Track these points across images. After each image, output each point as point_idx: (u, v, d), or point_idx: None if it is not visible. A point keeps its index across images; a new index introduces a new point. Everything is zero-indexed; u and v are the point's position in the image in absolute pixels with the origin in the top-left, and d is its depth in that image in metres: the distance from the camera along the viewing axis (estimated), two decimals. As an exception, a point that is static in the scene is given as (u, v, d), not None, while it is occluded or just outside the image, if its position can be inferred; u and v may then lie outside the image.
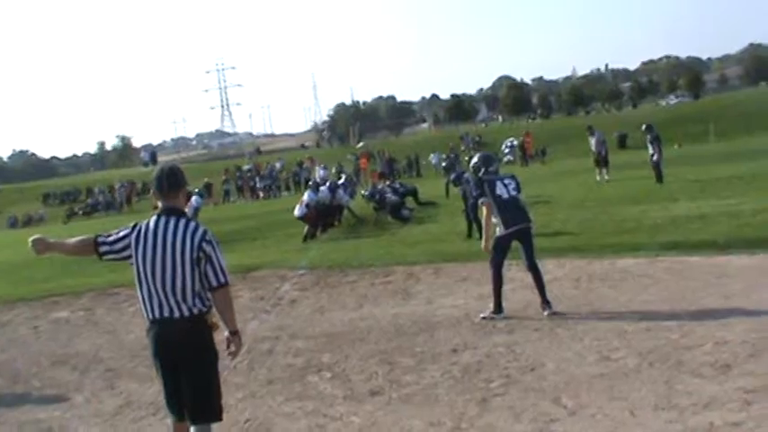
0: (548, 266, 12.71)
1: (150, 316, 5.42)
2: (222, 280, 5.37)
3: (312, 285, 13.90)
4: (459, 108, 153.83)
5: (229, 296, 5.51)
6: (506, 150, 59.55)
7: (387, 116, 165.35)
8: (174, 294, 5.31)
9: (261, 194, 57.49)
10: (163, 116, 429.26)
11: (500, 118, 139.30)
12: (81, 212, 62.74)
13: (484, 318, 9.92)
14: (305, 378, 8.43)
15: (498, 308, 9.98)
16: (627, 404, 6.43)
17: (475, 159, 11.05)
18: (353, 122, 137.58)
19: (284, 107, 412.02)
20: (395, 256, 15.94)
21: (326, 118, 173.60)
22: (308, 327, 10.85)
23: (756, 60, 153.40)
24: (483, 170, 10.52)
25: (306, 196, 23.00)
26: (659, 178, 25.20)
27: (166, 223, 5.39)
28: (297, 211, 22.40)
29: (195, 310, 5.35)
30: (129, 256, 5.49)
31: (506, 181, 10.30)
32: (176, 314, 5.32)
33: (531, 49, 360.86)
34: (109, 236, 5.61)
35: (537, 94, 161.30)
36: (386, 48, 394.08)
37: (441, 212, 24.37)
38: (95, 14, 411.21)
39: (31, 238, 5.76)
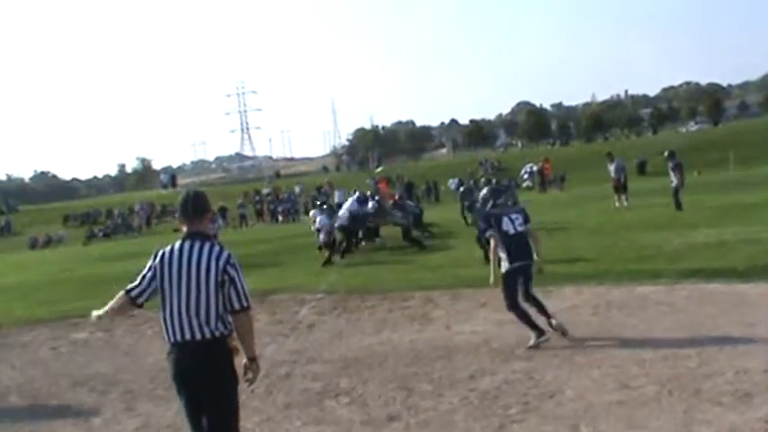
0: (566, 293, 12.76)
1: (172, 338, 5.46)
2: (245, 304, 5.44)
3: (330, 310, 13.91)
4: (478, 133, 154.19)
5: (251, 320, 5.57)
6: (525, 176, 59.60)
7: (406, 141, 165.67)
8: (198, 317, 5.37)
9: (280, 218, 57.60)
10: (183, 139, 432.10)
11: (519, 143, 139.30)
12: (101, 234, 62.98)
13: (531, 347, 9.73)
14: (322, 403, 8.43)
15: (538, 331, 9.84)
16: (646, 432, 6.41)
17: (484, 191, 11.20)
18: (373, 147, 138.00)
19: (304, 131, 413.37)
20: (414, 281, 15.93)
21: (346, 142, 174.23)
22: (325, 351, 10.86)
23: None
24: (491, 203, 10.61)
25: (318, 222, 22.89)
26: (678, 206, 24.91)
27: (191, 247, 5.48)
28: (322, 238, 22.44)
29: (217, 333, 5.40)
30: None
31: (513, 216, 10.28)
32: (198, 336, 5.38)
33: (551, 74, 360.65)
34: (136, 282, 5.71)
35: (556, 119, 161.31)
36: (406, 72, 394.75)
37: (460, 237, 24.33)
38: (118, 37, 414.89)
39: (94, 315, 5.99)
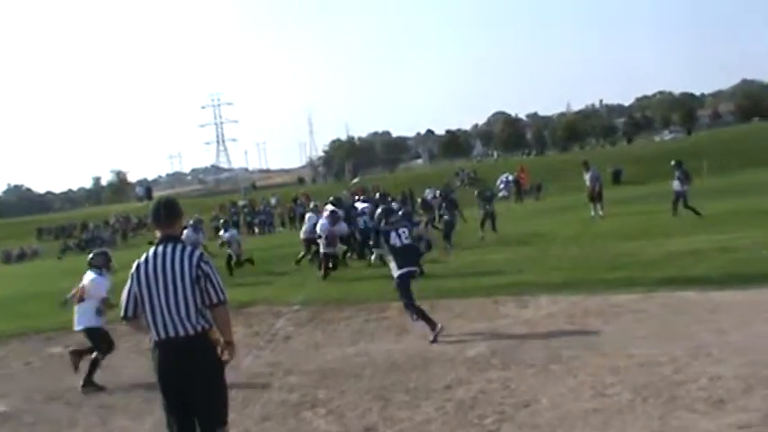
0: (542, 302, 12.81)
1: (156, 336, 5.69)
2: (222, 297, 5.70)
3: (307, 321, 13.89)
4: (455, 143, 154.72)
5: (228, 313, 5.83)
6: (501, 186, 59.75)
7: (382, 152, 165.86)
8: (179, 313, 5.60)
9: (256, 230, 57.48)
10: (158, 151, 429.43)
11: (495, 153, 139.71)
12: (76, 247, 62.63)
13: (433, 341, 10.86)
14: (299, 414, 8.42)
15: (432, 324, 11.12)
16: (621, 440, 6.44)
17: (378, 212, 13.04)
18: (348, 158, 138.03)
19: (280, 143, 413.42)
20: (390, 292, 15.91)
21: (322, 154, 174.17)
22: (302, 363, 10.84)
23: (749, 96, 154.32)
24: (383, 222, 12.31)
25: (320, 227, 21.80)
26: (674, 211, 25.08)
27: (164, 248, 5.72)
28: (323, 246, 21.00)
29: (198, 328, 5.63)
30: None
31: (401, 231, 11.95)
32: (181, 332, 5.60)
33: (526, 84, 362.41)
34: (122, 304, 5.98)
35: (532, 129, 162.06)
36: (381, 83, 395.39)
37: (434, 249, 24.35)
38: (91, 49, 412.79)
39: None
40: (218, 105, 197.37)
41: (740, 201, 28.01)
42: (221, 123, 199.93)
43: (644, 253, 17.01)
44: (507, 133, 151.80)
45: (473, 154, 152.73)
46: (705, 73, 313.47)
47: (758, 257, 14.65)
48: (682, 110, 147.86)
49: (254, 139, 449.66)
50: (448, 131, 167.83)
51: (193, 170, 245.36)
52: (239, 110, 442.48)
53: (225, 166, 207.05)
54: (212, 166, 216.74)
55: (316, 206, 22.63)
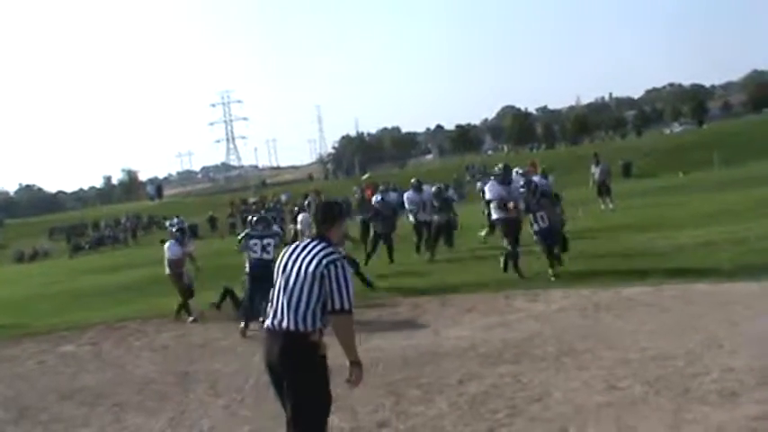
0: (553, 296, 12.80)
1: (265, 324, 5.73)
2: (341, 305, 5.49)
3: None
4: (464, 138, 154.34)
5: (348, 324, 5.59)
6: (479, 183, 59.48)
7: (392, 147, 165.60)
8: (288, 305, 5.55)
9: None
10: (168, 150, 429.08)
11: (505, 148, 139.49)
12: (87, 247, 62.83)
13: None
14: (312, 410, 8.41)
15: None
16: (635, 434, 6.43)
17: (253, 219, 14.75)
18: (358, 154, 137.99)
19: (289, 140, 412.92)
20: (402, 287, 15.94)
21: (332, 150, 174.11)
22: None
23: (759, 87, 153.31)
24: (251, 227, 14.39)
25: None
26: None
27: (308, 244, 5.71)
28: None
29: (300, 327, 5.50)
30: None
31: (265, 241, 13.72)
32: (282, 325, 5.54)
33: (535, 78, 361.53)
34: None
35: (541, 123, 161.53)
36: (390, 79, 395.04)
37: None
38: (101, 47, 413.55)
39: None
40: (228, 103, 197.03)
41: (752, 192, 27.87)
42: (231, 121, 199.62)
43: (655, 245, 16.97)
44: (517, 127, 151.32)
45: (483, 148, 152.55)
46: (715, 64, 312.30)
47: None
48: (692, 102, 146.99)
49: (264, 137, 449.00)
50: (457, 126, 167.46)
51: (203, 168, 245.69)
52: (249, 107, 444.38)
53: (235, 163, 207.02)
54: (222, 163, 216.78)
55: (308, 204, 22.19)
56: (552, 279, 14.23)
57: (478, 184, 41.14)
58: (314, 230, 5.87)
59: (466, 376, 8.87)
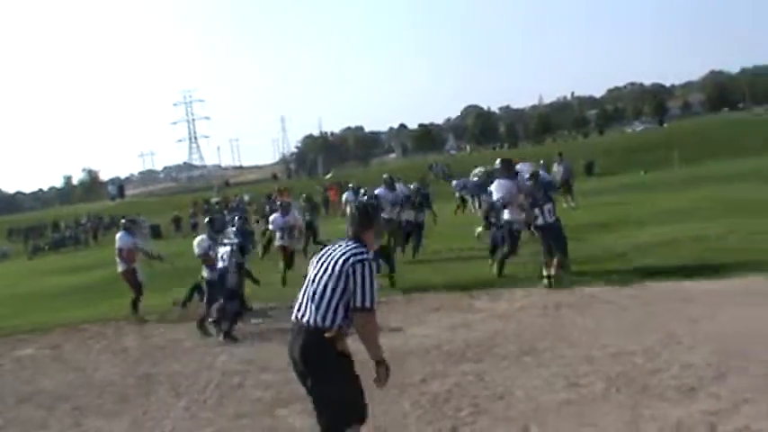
0: (516, 295, 12.85)
1: (293, 317, 5.75)
2: (363, 304, 5.46)
3: (282, 317, 13.78)
4: (427, 137, 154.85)
5: (370, 322, 5.56)
6: (475, 179, 59.77)
7: (355, 147, 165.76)
8: (313, 301, 5.58)
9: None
10: (130, 149, 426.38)
11: (468, 147, 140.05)
12: (47, 248, 62.07)
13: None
14: (274, 412, 8.39)
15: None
16: (595, 430, 6.50)
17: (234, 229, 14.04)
18: (321, 153, 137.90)
19: (252, 139, 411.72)
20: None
21: (295, 149, 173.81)
22: (278, 360, 10.73)
23: (718, 87, 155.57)
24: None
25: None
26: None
27: (342, 244, 5.74)
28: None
29: (321, 323, 5.51)
30: None
31: (220, 250, 13.12)
32: (306, 320, 5.58)
33: (498, 78, 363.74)
34: None
35: (504, 122, 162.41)
36: (354, 78, 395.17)
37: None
38: (61, 46, 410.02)
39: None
40: (190, 102, 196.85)
41: (711, 190, 28.20)
42: (193, 120, 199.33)
43: (617, 244, 17.10)
44: (480, 126, 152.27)
45: (446, 147, 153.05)
46: (675, 64, 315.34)
47: (728, 246, 14.79)
48: (653, 101, 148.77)
49: (227, 136, 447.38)
50: (421, 125, 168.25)
51: (166, 168, 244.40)
52: (211, 107, 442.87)
53: (197, 163, 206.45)
54: (185, 163, 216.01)
55: (280, 204, 21.42)
56: (545, 282, 13.41)
57: (454, 182, 41.24)
58: (350, 233, 5.86)
59: (429, 375, 8.89)
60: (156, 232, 55.96)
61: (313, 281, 5.65)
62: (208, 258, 13.55)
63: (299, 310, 5.69)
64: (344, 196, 26.85)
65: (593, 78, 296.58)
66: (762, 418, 6.26)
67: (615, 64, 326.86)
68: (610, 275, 13.26)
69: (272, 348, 11.60)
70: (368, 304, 5.45)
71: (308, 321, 5.55)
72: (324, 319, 5.49)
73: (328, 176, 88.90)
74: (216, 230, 13.92)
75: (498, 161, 15.49)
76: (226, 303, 12.58)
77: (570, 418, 6.82)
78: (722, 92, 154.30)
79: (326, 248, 5.87)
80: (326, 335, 5.48)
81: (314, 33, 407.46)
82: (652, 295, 11.60)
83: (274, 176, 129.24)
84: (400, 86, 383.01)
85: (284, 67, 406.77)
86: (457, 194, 37.67)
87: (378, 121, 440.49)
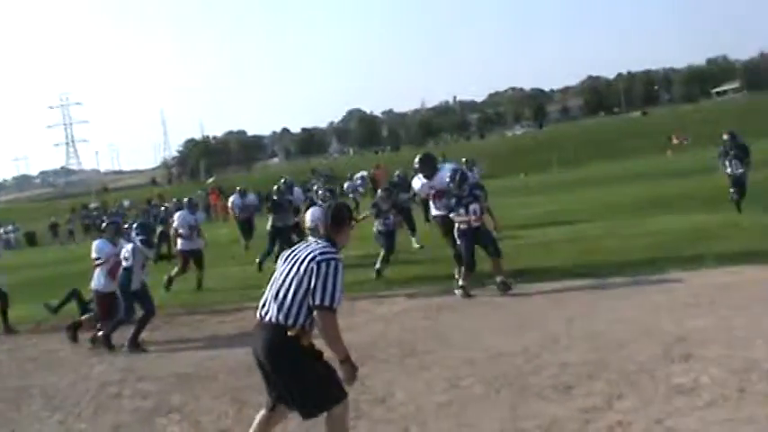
0: (398, 299, 12.91)
1: (257, 315, 5.71)
2: (321, 301, 5.41)
3: (161, 326, 13.50)
4: (311, 141, 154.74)
5: (329, 321, 5.50)
6: (358, 183, 59.97)
7: (238, 151, 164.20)
8: (276, 298, 5.54)
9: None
10: (3, 153, 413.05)
11: (351, 151, 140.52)
12: None
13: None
14: (153, 421, 8.20)
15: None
16: (474, 430, 6.55)
17: (135, 225, 13.04)
18: (203, 158, 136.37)
19: (133, 143, 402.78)
20: (246, 293, 15.77)
21: (176, 154, 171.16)
22: (156, 368, 10.58)
23: (595, 92, 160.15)
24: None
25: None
26: (740, 205, 17.94)
27: (312, 242, 5.77)
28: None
29: (283, 321, 5.48)
30: None
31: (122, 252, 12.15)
32: (269, 317, 5.55)
33: (381, 82, 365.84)
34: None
35: (387, 126, 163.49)
36: (235, 82, 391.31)
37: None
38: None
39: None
40: (67, 105, 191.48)
41: (588, 193, 28.95)
42: (70, 124, 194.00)
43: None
44: (363, 130, 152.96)
45: (329, 151, 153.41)
46: (554, 69, 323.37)
47: (604, 247, 15.21)
48: (533, 105, 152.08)
49: (106, 140, 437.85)
50: (304, 129, 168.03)
51: (42, 173, 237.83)
52: (90, 110, 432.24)
53: (75, 168, 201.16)
54: (62, 168, 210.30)
55: (189, 200, 20.47)
56: (459, 292, 12.53)
57: (346, 184, 41.40)
58: (322, 231, 5.91)
59: (310, 380, 8.82)
60: (31, 239, 54.41)
61: (279, 279, 5.63)
62: (106, 263, 12.61)
63: (263, 307, 5.66)
64: (231, 200, 26.44)
65: (474, 83, 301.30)
66: (632, 412, 6.44)
67: (496, 69, 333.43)
68: (489, 278, 13.43)
69: (150, 357, 11.40)
70: (327, 302, 5.41)
71: (270, 319, 5.53)
72: (287, 317, 5.47)
73: (210, 181, 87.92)
74: (114, 233, 13.20)
75: (417, 159, 14.50)
76: (127, 310, 12.08)
77: (449, 419, 6.88)
78: (599, 96, 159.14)
79: (296, 247, 5.86)
80: (289, 333, 5.47)
81: (194, 38, 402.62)
82: (531, 296, 11.83)
83: (154, 181, 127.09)
84: (282, 90, 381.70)
85: (165, 70, 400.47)
86: (351, 196, 37.98)
87: (261, 125, 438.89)
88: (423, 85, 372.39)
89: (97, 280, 12.72)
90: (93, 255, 12.91)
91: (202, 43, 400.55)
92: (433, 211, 14.24)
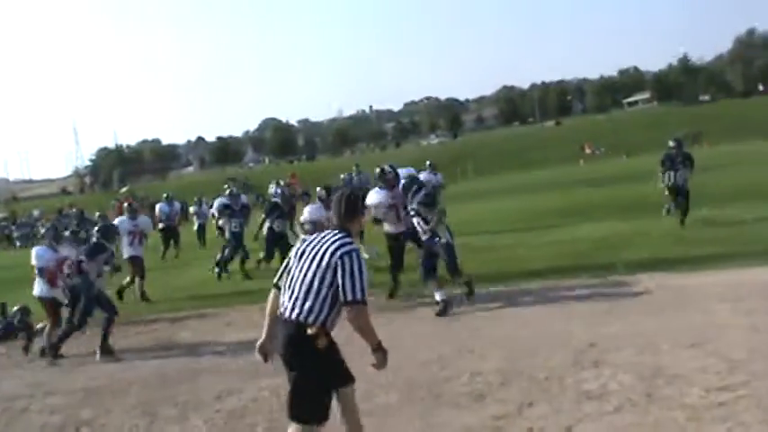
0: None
1: (279, 311, 5.62)
2: (353, 296, 5.36)
3: (70, 339, 13.22)
4: (226, 150, 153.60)
5: (362, 314, 5.46)
6: (273, 191, 59.66)
7: (152, 160, 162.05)
8: (299, 294, 5.47)
9: (18, 243, 54.64)
10: None
11: (266, 160, 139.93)
12: None
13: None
14: (62, 437, 8.05)
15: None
16: (387, 440, 6.58)
17: (96, 227, 12.85)
18: (116, 167, 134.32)
19: (43, 152, 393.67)
20: (159, 304, 15.59)
21: (88, 163, 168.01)
22: (65, 382, 10.36)
23: (509, 102, 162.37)
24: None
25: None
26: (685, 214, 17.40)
27: (326, 234, 5.64)
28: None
29: (307, 318, 5.42)
30: None
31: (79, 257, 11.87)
32: (293, 315, 5.45)
33: (297, 91, 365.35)
34: (279, 272, 5.90)
35: (303, 135, 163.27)
36: (148, 90, 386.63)
37: (201, 257, 23.92)
38: None
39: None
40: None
41: (503, 201, 29.31)
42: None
43: (410, 255, 17.40)
44: (278, 139, 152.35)
45: (245, 160, 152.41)
46: (469, 79, 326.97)
47: (516, 255, 15.42)
48: (448, 114, 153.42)
49: (16, 148, 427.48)
50: (219, 138, 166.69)
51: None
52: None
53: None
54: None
55: (128, 205, 19.85)
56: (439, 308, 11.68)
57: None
58: (335, 222, 5.79)
59: (224, 392, 8.76)
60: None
61: (298, 276, 5.56)
62: (50, 272, 12.19)
63: (283, 304, 5.59)
64: (158, 207, 26.02)
65: (390, 92, 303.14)
66: (543, 419, 6.56)
67: (412, 79, 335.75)
68: (403, 287, 13.50)
69: (59, 371, 11.18)
70: (359, 296, 5.39)
71: (295, 316, 5.46)
72: (308, 314, 5.43)
73: (123, 190, 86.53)
74: (53, 239, 12.70)
75: (378, 169, 13.93)
76: (83, 315, 11.75)
77: (364, 429, 6.88)
78: (514, 106, 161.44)
79: (309, 239, 5.77)
80: (308, 332, 5.41)
81: (106, 43, 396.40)
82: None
83: (64, 191, 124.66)
84: (197, 98, 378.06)
85: (77, 77, 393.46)
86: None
87: (175, 134, 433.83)
88: (339, 94, 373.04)
89: (39, 287, 12.42)
90: (33, 261, 12.52)
91: (115, 50, 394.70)
92: (386, 227, 13.81)
